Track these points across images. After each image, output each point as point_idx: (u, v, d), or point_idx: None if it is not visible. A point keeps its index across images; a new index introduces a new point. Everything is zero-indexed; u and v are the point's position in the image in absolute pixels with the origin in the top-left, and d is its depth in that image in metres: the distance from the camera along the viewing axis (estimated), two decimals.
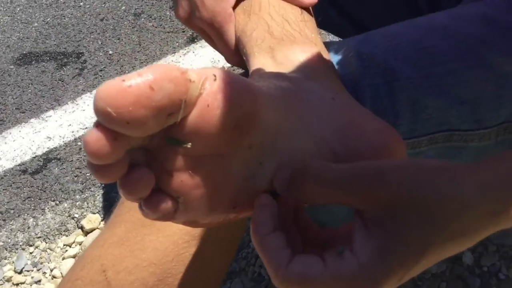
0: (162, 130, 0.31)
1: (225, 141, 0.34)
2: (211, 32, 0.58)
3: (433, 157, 0.54)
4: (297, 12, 0.56)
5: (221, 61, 1.19)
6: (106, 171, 0.30)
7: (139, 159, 0.32)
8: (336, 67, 0.53)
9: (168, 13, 1.39)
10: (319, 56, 0.49)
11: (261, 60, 0.49)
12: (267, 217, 0.37)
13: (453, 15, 0.57)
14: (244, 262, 0.80)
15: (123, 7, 1.47)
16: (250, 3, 0.57)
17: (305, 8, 0.57)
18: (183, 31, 1.31)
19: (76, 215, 0.99)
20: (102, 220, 0.96)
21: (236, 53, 0.58)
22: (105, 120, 0.28)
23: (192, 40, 1.28)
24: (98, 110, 0.28)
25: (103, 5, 1.51)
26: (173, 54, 1.26)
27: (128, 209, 0.58)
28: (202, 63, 1.20)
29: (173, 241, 0.55)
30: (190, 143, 0.33)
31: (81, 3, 1.55)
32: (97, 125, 0.29)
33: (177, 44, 1.28)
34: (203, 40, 1.27)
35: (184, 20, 0.60)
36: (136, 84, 0.28)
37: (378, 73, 0.53)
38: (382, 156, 0.41)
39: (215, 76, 0.32)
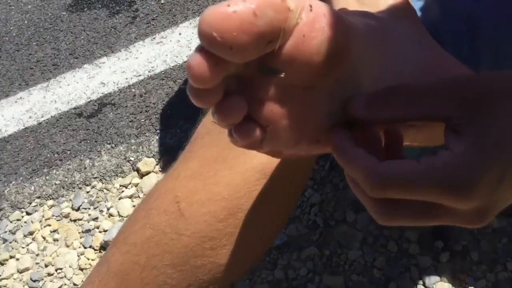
0: (257, 59, 0.32)
1: (315, 73, 0.34)
2: None
3: None
4: None
5: None
6: (204, 96, 0.31)
7: (233, 87, 0.33)
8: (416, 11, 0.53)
9: None
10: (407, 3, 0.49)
11: (344, 1, 0.49)
12: (347, 135, 0.37)
13: None
14: (298, 210, 0.82)
15: None
16: None
17: None
18: None
19: (132, 158, 1.02)
20: (157, 164, 0.99)
21: None
22: (210, 44, 0.29)
23: None
24: (203, 34, 0.29)
25: None
26: None
27: (201, 145, 0.60)
28: None
29: (244, 178, 0.57)
30: (283, 73, 0.33)
31: None
32: (201, 49, 0.30)
33: None
34: None
35: None
36: (240, 10, 0.29)
37: (459, 19, 0.52)
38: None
39: (311, 6, 0.33)
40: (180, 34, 1.24)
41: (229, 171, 0.57)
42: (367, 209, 0.38)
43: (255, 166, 0.56)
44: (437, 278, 0.69)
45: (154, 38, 1.26)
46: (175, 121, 1.06)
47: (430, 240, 0.72)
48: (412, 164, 0.33)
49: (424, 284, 0.69)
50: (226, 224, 0.57)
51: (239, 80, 0.33)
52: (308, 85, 0.35)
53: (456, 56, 0.50)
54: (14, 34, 1.45)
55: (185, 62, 1.16)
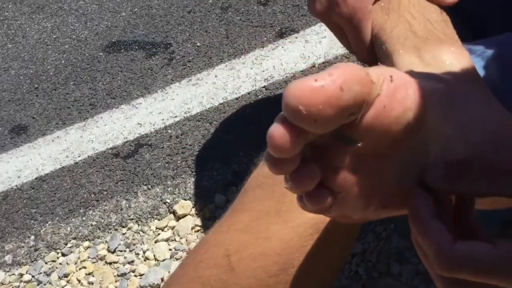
0: (336, 128, 0.32)
1: (392, 142, 0.35)
2: (348, 28, 0.58)
3: None
4: (437, 11, 0.55)
5: (311, 57, 1.19)
6: (282, 164, 0.32)
7: (307, 154, 0.33)
8: None
9: (255, 7, 1.41)
10: (467, 59, 0.49)
11: (407, 59, 0.49)
12: (426, 202, 0.36)
13: None
14: None
15: (210, 1, 1.50)
16: (389, 1, 0.57)
17: (442, 7, 0.57)
18: (271, 26, 1.33)
19: (168, 200, 1.02)
20: (193, 207, 0.99)
21: (370, 51, 0.58)
22: (295, 117, 0.29)
23: (280, 35, 1.29)
24: (288, 107, 0.29)
25: None
26: (261, 48, 1.27)
27: (253, 198, 0.60)
28: (291, 58, 1.21)
29: (298, 233, 0.56)
30: (360, 143, 0.34)
31: None
32: (283, 120, 0.30)
33: (265, 38, 1.30)
34: (292, 35, 1.28)
35: (321, 14, 0.61)
36: (328, 85, 0.29)
37: None
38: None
39: (391, 77, 0.33)
40: (216, 76, 1.25)
41: (282, 226, 0.56)
42: (433, 279, 0.37)
43: (308, 220, 0.56)
44: None
45: (190, 80, 1.28)
46: (211, 163, 1.06)
47: None
48: (488, 250, 0.33)
49: None
50: (277, 280, 0.56)
51: (314, 148, 0.33)
52: (381, 153, 0.35)
53: None
54: (51, 73, 1.48)
55: (221, 104, 1.17)
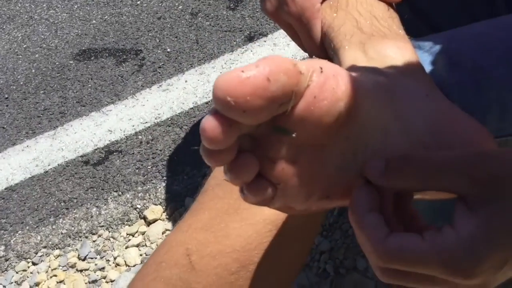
0: (270, 119, 0.33)
1: (326, 132, 0.35)
2: (298, 27, 0.59)
3: None
4: (384, 8, 0.56)
5: None
6: (217, 156, 0.32)
7: (245, 146, 0.34)
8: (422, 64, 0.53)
9: (224, 12, 1.41)
10: (411, 53, 0.50)
11: (352, 54, 0.50)
12: (364, 197, 0.38)
13: None
14: (308, 258, 0.81)
15: (180, 7, 1.50)
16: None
17: (389, 4, 0.58)
18: (240, 30, 1.33)
19: (139, 206, 1.02)
20: (164, 211, 0.99)
21: (320, 48, 0.59)
22: (224, 109, 0.30)
23: (249, 39, 1.30)
24: (218, 99, 0.30)
25: (160, 4, 1.54)
26: (231, 53, 1.28)
27: (212, 197, 0.60)
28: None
29: (256, 230, 0.56)
30: (295, 133, 0.34)
31: (138, 2, 1.59)
32: (214, 112, 0.31)
33: (235, 42, 1.30)
34: (261, 39, 1.28)
35: (271, 14, 0.62)
36: (254, 76, 0.30)
37: (466, 71, 0.53)
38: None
39: (321, 68, 0.34)
40: (186, 81, 1.26)
41: (240, 223, 0.56)
42: (371, 266, 0.38)
43: (266, 217, 0.56)
44: None
45: (160, 85, 1.28)
46: (182, 167, 1.06)
47: None
48: (417, 242, 0.34)
49: None
50: (238, 276, 0.56)
51: (251, 139, 0.34)
52: (318, 143, 0.36)
53: (462, 107, 0.50)
54: (22, 82, 1.47)
55: (191, 108, 1.18)
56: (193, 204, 0.62)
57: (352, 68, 0.47)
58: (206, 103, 1.17)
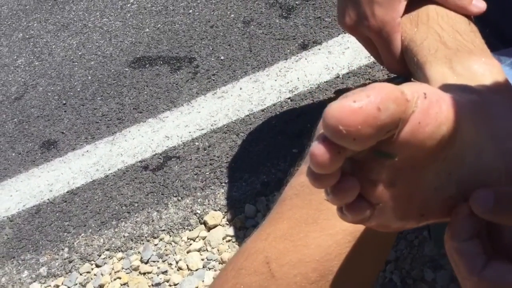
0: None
1: (427, 155, 0.37)
2: (378, 41, 0.60)
3: None
4: (465, 22, 0.57)
5: (335, 68, 1.21)
6: (323, 179, 0.34)
7: (347, 168, 0.35)
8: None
9: (277, 20, 1.43)
10: (498, 69, 0.50)
11: (440, 70, 0.51)
12: (466, 225, 0.38)
13: None
14: None
15: (232, 15, 1.53)
16: (417, 13, 0.58)
17: (469, 18, 0.58)
18: (294, 38, 1.35)
19: (198, 211, 1.04)
20: (223, 217, 1.01)
21: (400, 62, 0.60)
22: (335, 136, 0.32)
23: (303, 47, 1.31)
24: (329, 127, 0.32)
25: (212, 13, 1.57)
26: (285, 61, 1.30)
27: (290, 207, 0.61)
28: (315, 69, 1.23)
29: (336, 240, 0.57)
30: (397, 157, 0.36)
31: (190, 11, 1.63)
32: (324, 139, 0.33)
33: (289, 50, 1.32)
34: (315, 47, 1.29)
35: (350, 28, 0.63)
36: (365, 105, 0.31)
37: None
38: None
39: (425, 94, 0.35)
40: (240, 88, 1.28)
41: (320, 233, 0.58)
42: None
43: (345, 228, 0.57)
44: None
45: (215, 93, 1.30)
46: (239, 174, 1.08)
47: None
48: None
49: None
50: (317, 286, 0.57)
51: (353, 162, 0.36)
52: (417, 165, 0.37)
53: None
54: (79, 89, 1.52)
55: (247, 116, 1.20)
56: (271, 213, 0.63)
57: (444, 87, 0.47)
58: (262, 110, 1.19)
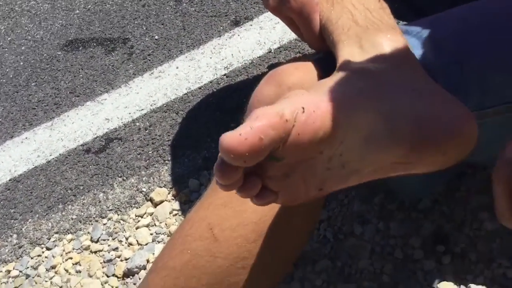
0: None
1: (311, 153, 0.47)
2: (298, 20, 0.66)
3: (495, 127, 0.62)
4: (375, 0, 0.64)
5: (267, 43, 1.26)
6: (229, 186, 0.45)
7: (248, 169, 0.45)
8: (412, 48, 0.61)
9: None
10: (402, 44, 0.57)
11: (349, 50, 0.58)
12: None
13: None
14: None
15: None
16: None
17: None
18: (226, 15, 1.39)
19: (144, 189, 1.08)
20: (169, 193, 1.05)
21: (320, 39, 0.66)
22: (229, 160, 0.42)
23: (235, 23, 1.35)
24: (224, 155, 0.42)
25: None
26: (218, 38, 1.33)
27: None
28: (248, 45, 1.28)
29: (270, 205, 0.64)
30: (285, 159, 0.46)
31: None
32: (222, 161, 0.43)
33: (222, 27, 1.36)
34: (247, 23, 1.34)
35: (273, 9, 0.68)
36: (249, 137, 0.41)
37: (450, 54, 0.61)
38: (456, 140, 0.51)
39: (303, 108, 0.45)
40: (177, 67, 1.31)
41: None
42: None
43: None
44: (440, 278, 0.77)
45: (152, 73, 1.33)
46: (181, 151, 1.12)
47: (432, 245, 0.80)
48: None
49: (429, 285, 0.77)
50: (256, 245, 0.64)
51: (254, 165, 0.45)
52: (305, 159, 0.47)
53: (447, 87, 0.58)
54: (11, 76, 1.50)
55: (185, 94, 1.23)
56: (211, 184, 0.69)
57: (344, 69, 0.54)
58: (199, 88, 1.23)
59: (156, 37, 1.42)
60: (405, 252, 0.81)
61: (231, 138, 0.41)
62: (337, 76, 0.52)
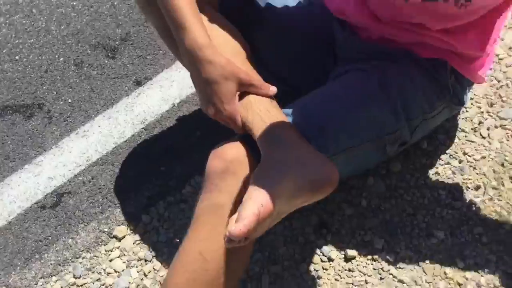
0: None
1: (266, 220, 0.91)
2: (229, 122, 1.09)
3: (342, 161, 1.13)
4: (269, 101, 1.09)
5: (170, 99, 1.65)
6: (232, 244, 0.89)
7: None
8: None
9: (106, 61, 1.78)
10: (288, 127, 1.04)
11: (263, 140, 1.03)
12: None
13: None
14: None
15: (62, 59, 1.82)
16: (246, 101, 1.09)
17: (269, 96, 1.11)
18: (127, 76, 1.73)
19: (106, 230, 1.43)
20: (127, 228, 1.41)
21: (243, 129, 1.10)
22: (232, 240, 0.87)
23: (138, 83, 1.71)
24: (231, 237, 0.86)
25: (41, 58, 1.83)
26: (127, 97, 1.68)
27: (202, 221, 1.08)
28: (154, 101, 1.65)
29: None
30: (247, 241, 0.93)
31: (17, 57, 1.85)
32: (229, 239, 0.87)
33: (127, 87, 1.70)
34: (148, 83, 1.72)
35: (213, 116, 1.10)
36: (243, 229, 0.85)
37: (314, 127, 1.09)
38: (332, 185, 0.98)
39: (262, 204, 0.90)
40: (99, 126, 1.63)
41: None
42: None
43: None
44: (329, 249, 1.28)
45: (77, 132, 1.63)
46: (127, 194, 1.48)
47: (319, 229, 1.31)
48: None
49: (324, 255, 1.28)
50: (228, 260, 1.07)
51: None
52: (264, 223, 0.91)
53: (317, 146, 1.06)
54: None
55: (114, 148, 1.57)
56: (192, 225, 1.09)
57: (264, 161, 0.99)
58: (125, 141, 1.58)
59: (69, 100, 1.71)
60: (305, 237, 1.31)
61: (234, 232, 0.84)
62: (262, 170, 0.97)
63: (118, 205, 1.47)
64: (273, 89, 1.12)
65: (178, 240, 1.36)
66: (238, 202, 0.97)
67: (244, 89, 1.07)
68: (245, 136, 1.09)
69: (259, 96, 1.10)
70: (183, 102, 1.63)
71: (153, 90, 1.69)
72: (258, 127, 1.05)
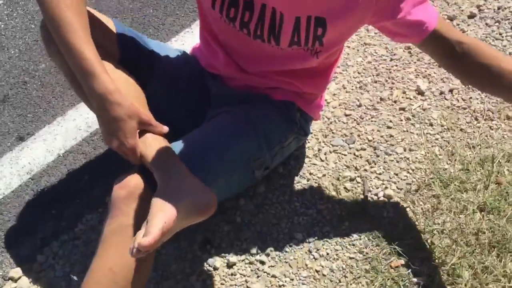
0: None
1: (168, 234, 1.13)
2: (129, 154, 1.30)
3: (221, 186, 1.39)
4: (162, 139, 1.33)
5: (54, 150, 1.78)
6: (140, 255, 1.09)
7: None
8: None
9: None
10: (176, 159, 1.28)
11: (159, 175, 1.25)
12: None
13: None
14: None
15: None
16: (144, 138, 1.31)
17: (161, 134, 1.35)
18: (9, 133, 1.83)
19: (1, 273, 1.49)
20: (23, 269, 1.50)
21: (140, 161, 1.31)
22: (140, 251, 1.05)
23: (21, 139, 1.82)
24: (141, 248, 1.05)
25: None
26: (11, 152, 1.78)
27: (109, 243, 1.25)
28: (40, 154, 1.77)
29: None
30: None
31: None
32: (138, 250, 1.06)
33: (10, 143, 1.80)
34: (31, 138, 1.84)
35: (116, 149, 1.30)
36: (152, 242, 1.05)
37: (196, 161, 1.34)
38: (212, 210, 1.24)
39: (164, 222, 1.10)
40: None
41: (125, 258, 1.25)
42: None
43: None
44: (213, 260, 1.51)
45: None
46: (21, 238, 1.57)
47: (204, 245, 1.54)
48: None
49: (209, 266, 1.50)
50: (134, 272, 1.25)
51: None
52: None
53: (202, 177, 1.32)
54: None
55: (3, 198, 1.66)
56: (99, 249, 1.26)
57: (159, 190, 1.22)
58: (12, 192, 1.67)
59: None
60: (192, 253, 1.53)
61: (144, 243, 1.01)
62: (161, 195, 1.18)
63: (11, 250, 1.55)
64: (165, 128, 1.36)
65: (75, 274, 1.49)
66: (140, 222, 1.17)
67: (143, 127, 1.30)
68: (141, 169, 1.31)
69: (155, 134, 1.33)
70: (68, 152, 1.78)
71: (36, 143, 1.81)
72: (153, 160, 1.27)
